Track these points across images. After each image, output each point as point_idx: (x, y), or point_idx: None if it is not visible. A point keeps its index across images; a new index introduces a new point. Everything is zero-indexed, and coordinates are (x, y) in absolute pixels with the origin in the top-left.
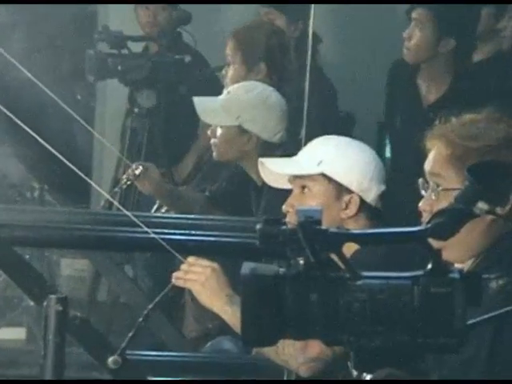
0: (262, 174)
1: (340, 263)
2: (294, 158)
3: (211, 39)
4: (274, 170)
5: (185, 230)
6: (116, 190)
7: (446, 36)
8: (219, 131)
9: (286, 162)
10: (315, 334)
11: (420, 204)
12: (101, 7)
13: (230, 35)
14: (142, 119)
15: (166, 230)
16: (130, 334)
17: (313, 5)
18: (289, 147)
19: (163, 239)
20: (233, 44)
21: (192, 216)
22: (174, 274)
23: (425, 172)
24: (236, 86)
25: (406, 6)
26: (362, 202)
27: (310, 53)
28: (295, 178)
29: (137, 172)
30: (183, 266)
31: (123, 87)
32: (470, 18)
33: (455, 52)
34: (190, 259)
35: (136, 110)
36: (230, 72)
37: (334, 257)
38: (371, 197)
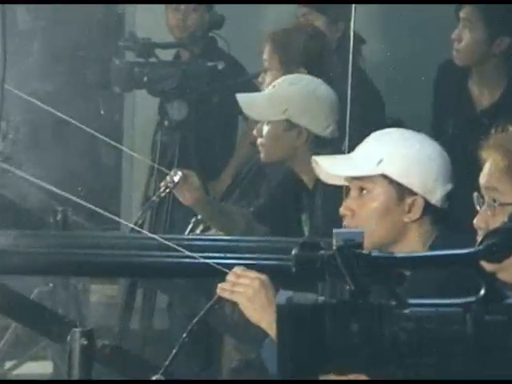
0: (317, 172)
1: (384, 290)
2: (352, 155)
3: (247, 44)
4: (329, 172)
5: (220, 252)
6: (154, 198)
7: (498, 35)
8: (265, 129)
9: (341, 162)
10: (358, 368)
11: (475, 221)
12: (127, 12)
13: (266, 39)
14: (172, 132)
15: (200, 254)
16: (174, 351)
17: (353, 4)
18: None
19: (199, 263)
20: (270, 48)
21: (228, 238)
22: (220, 285)
23: (480, 185)
24: (281, 79)
25: (454, 5)
26: (427, 203)
27: (351, 55)
28: (353, 178)
29: (176, 179)
30: (229, 277)
31: (152, 98)
32: None
33: (510, 52)
34: (237, 270)
35: (166, 122)
36: (267, 78)
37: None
38: (436, 198)
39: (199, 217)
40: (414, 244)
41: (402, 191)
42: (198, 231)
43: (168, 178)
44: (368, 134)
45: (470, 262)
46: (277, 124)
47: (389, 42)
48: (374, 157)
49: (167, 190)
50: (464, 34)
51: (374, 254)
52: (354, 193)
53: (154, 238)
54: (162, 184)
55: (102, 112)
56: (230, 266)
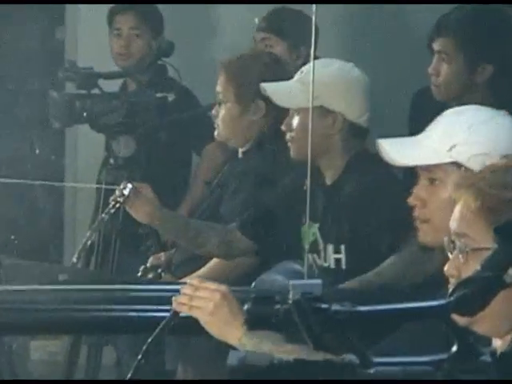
0: (383, 156)
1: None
2: (420, 137)
3: (200, 72)
4: (394, 160)
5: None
6: (103, 216)
7: (479, 63)
8: (296, 120)
9: (407, 148)
10: None
11: (445, 268)
12: (68, 39)
13: (220, 68)
14: (118, 171)
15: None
16: (129, 374)
17: (313, 29)
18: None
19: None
20: (224, 78)
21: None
22: (176, 299)
23: (450, 230)
24: (310, 64)
25: (426, 37)
26: None
27: (312, 84)
28: (421, 166)
29: (125, 192)
30: (185, 290)
31: (96, 135)
32: (504, 36)
33: (494, 80)
34: (194, 281)
35: (111, 160)
36: (221, 112)
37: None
38: None
39: (148, 264)
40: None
41: None
42: (159, 270)
43: (117, 192)
44: None
45: (441, 315)
46: (307, 114)
47: (358, 67)
48: (445, 141)
49: (117, 206)
50: (441, 68)
51: (335, 307)
52: (423, 181)
53: (99, 290)
54: (111, 199)
55: (38, 151)
56: (181, 320)
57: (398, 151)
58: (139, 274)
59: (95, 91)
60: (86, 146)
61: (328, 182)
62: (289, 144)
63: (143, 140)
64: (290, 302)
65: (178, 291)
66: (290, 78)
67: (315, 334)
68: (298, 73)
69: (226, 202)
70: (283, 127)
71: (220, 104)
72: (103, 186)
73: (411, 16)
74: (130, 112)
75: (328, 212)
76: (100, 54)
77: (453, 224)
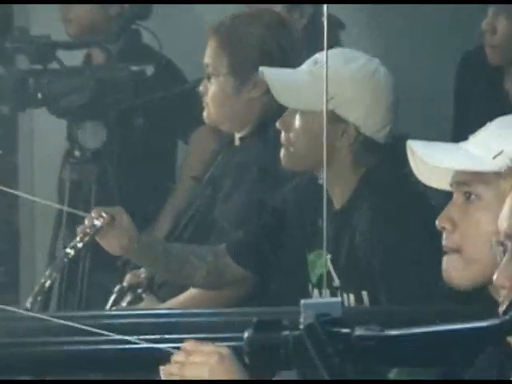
0: (411, 164)
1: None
2: (461, 144)
3: (185, 38)
4: (428, 162)
5: (154, 332)
6: (68, 251)
7: None
8: (298, 121)
9: (445, 151)
10: None
11: (494, 277)
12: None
13: (208, 33)
14: (86, 166)
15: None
16: None
17: (325, 32)
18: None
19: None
20: (214, 45)
21: (163, 312)
22: (165, 369)
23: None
24: (327, 53)
25: None
26: None
27: (326, 47)
28: (457, 177)
29: (98, 223)
30: (177, 357)
31: (56, 121)
32: None
33: None
34: (188, 345)
35: (77, 153)
36: (211, 88)
37: None
38: None
39: (124, 283)
40: None
41: None
42: (123, 303)
43: (86, 221)
44: None
45: (493, 336)
46: (315, 116)
47: (378, 25)
48: (488, 147)
49: (86, 239)
50: (499, 23)
51: (358, 332)
52: (457, 197)
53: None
54: (79, 230)
55: None
56: (165, 352)
57: (433, 154)
58: (113, 296)
59: (53, 66)
60: (44, 135)
61: (336, 205)
62: (283, 148)
63: (115, 126)
64: (302, 326)
65: (163, 316)
66: (294, 42)
67: (334, 365)
68: (311, 61)
69: (220, 203)
70: (278, 124)
71: (209, 78)
72: (64, 208)
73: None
74: (97, 91)
75: (340, 244)
76: (58, 17)
77: (502, 223)
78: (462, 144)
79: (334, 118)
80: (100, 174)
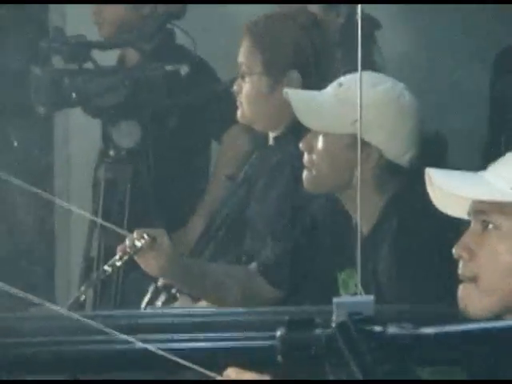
0: (429, 192)
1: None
2: (480, 173)
3: (218, 38)
4: (445, 189)
5: (184, 332)
6: (106, 268)
7: None
8: (320, 143)
9: (463, 180)
10: None
11: None
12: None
13: (244, 31)
14: (121, 165)
15: (158, 337)
16: None
17: (359, 35)
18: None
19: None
20: (248, 44)
21: (199, 310)
22: None
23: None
24: (350, 76)
25: None
26: None
27: (360, 48)
28: (476, 206)
29: (138, 244)
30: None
31: (92, 120)
32: None
33: None
34: (230, 372)
35: (112, 152)
36: (245, 87)
37: None
38: None
39: (159, 283)
40: None
41: None
42: (158, 303)
43: (127, 241)
44: None
45: None
46: (339, 140)
47: (417, 26)
48: (507, 177)
49: (125, 258)
50: None
51: (392, 330)
52: (475, 226)
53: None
54: (119, 249)
55: (16, 144)
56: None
57: (452, 183)
58: (148, 295)
59: (88, 66)
60: (79, 135)
61: (364, 229)
62: (305, 170)
63: (149, 126)
64: (334, 325)
65: (197, 316)
66: (330, 42)
67: (366, 364)
68: (336, 83)
69: (254, 203)
70: (301, 146)
71: (244, 77)
72: (98, 220)
73: None
74: (132, 91)
75: (368, 268)
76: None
77: None
78: (481, 173)
79: (356, 141)
80: (134, 174)
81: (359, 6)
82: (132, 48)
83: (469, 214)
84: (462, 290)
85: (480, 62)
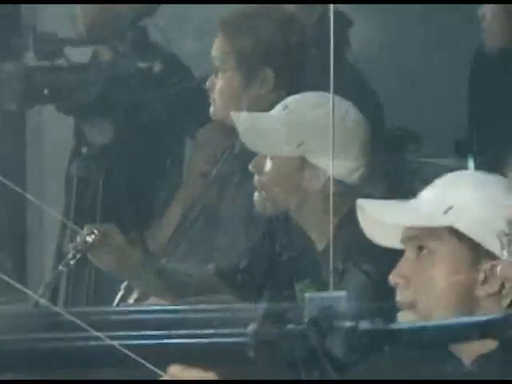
0: (362, 223)
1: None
2: (411, 201)
3: (191, 34)
4: (380, 218)
5: (157, 329)
6: (60, 268)
7: None
8: (269, 165)
9: (395, 208)
10: None
11: None
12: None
13: (218, 26)
14: (93, 162)
15: (126, 333)
16: None
17: (331, 35)
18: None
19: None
20: (222, 39)
21: (170, 307)
22: None
23: None
24: (295, 97)
25: None
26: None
27: (332, 47)
28: (408, 233)
29: (89, 239)
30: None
31: (64, 117)
32: None
33: None
34: (174, 370)
35: (84, 149)
36: (219, 83)
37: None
38: None
39: None
40: None
41: (476, 253)
42: (130, 300)
43: (78, 238)
44: None
45: (495, 331)
46: (287, 161)
47: (387, 23)
48: (440, 203)
49: (78, 256)
50: (487, 7)
51: (363, 326)
52: (409, 253)
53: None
54: (71, 247)
55: None
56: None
57: (384, 209)
58: (120, 292)
59: (60, 62)
60: (52, 132)
61: (319, 246)
62: (256, 191)
63: (122, 123)
64: (306, 320)
65: (169, 312)
66: (304, 39)
67: (339, 360)
68: (280, 106)
69: (226, 201)
70: (251, 167)
71: (217, 73)
72: (69, 223)
73: None
74: (105, 88)
75: (323, 283)
76: (66, 14)
77: None
78: (412, 201)
79: (305, 163)
80: (107, 171)
81: (331, 5)
82: (105, 45)
83: (402, 241)
84: (400, 317)
85: (453, 60)
